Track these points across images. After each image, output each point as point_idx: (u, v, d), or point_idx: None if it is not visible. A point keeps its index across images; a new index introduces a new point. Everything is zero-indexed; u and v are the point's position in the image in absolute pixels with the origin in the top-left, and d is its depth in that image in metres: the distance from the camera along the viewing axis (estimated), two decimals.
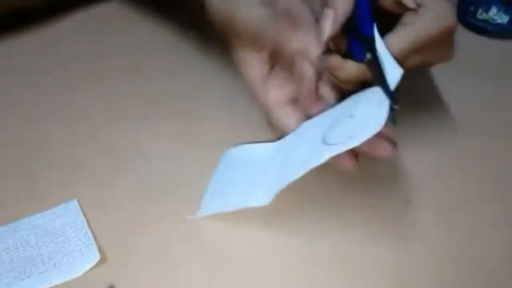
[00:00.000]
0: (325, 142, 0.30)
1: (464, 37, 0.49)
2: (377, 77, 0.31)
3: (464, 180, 0.37)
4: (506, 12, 0.49)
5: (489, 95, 0.44)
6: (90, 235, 0.33)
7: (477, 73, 0.46)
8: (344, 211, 0.35)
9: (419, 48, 0.31)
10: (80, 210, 0.34)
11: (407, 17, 0.32)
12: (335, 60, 0.32)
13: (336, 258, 0.33)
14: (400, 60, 0.31)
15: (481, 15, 0.49)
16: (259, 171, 0.34)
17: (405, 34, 0.31)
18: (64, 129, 0.41)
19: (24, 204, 0.35)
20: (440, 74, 0.46)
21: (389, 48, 0.31)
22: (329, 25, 0.31)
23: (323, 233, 0.34)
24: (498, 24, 0.48)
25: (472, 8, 0.50)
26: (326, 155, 0.28)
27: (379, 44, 0.31)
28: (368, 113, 0.30)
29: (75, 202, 0.35)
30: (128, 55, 0.47)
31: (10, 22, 0.48)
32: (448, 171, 0.38)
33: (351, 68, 0.32)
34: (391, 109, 0.29)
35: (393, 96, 0.29)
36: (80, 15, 0.50)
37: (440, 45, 0.33)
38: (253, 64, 0.33)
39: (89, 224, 0.34)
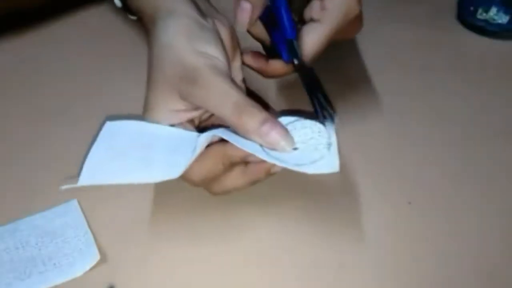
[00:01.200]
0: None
1: (464, 37, 0.49)
2: (308, 87, 0.33)
3: (464, 180, 0.37)
4: (506, 12, 0.49)
5: (489, 95, 0.44)
6: (90, 235, 0.33)
7: (477, 73, 0.46)
8: (344, 211, 0.35)
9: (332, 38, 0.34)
10: (80, 210, 0.34)
11: (316, 12, 0.34)
12: (259, 62, 0.35)
13: (336, 258, 0.33)
14: (316, 54, 0.34)
15: (481, 15, 0.49)
16: (165, 149, 0.32)
17: (320, 32, 0.34)
18: (64, 129, 0.41)
19: (24, 204, 0.35)
20: (441, 74, 0.46)
21: (306, 47, 0.33)
22: (246, 18, 0.33)
23: (322, 233, 0.34)
24: (498, 24, 0.48)
25: (472, 8, 0.50)
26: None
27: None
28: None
29: (75, 202, 0.35)
30: (129, 54, 0.47)
31: (11, 22, 0.48)
32: (448, 171, 0.38)
33: (276, 68, 0.34)
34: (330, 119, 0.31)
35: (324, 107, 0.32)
36: (80, 15, 0.50)
37: (350, 28, 0.36)
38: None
39: (89, 224, 0.34)
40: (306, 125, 0.32)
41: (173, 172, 0.30)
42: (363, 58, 0.48)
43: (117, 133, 0.33)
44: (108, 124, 0.33)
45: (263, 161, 0.29)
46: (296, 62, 0.34)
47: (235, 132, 0.30)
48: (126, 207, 0.35)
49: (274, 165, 0.30)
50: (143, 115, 0.32)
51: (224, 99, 0.30)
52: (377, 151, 0.39)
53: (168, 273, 0.32)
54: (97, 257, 0.32)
